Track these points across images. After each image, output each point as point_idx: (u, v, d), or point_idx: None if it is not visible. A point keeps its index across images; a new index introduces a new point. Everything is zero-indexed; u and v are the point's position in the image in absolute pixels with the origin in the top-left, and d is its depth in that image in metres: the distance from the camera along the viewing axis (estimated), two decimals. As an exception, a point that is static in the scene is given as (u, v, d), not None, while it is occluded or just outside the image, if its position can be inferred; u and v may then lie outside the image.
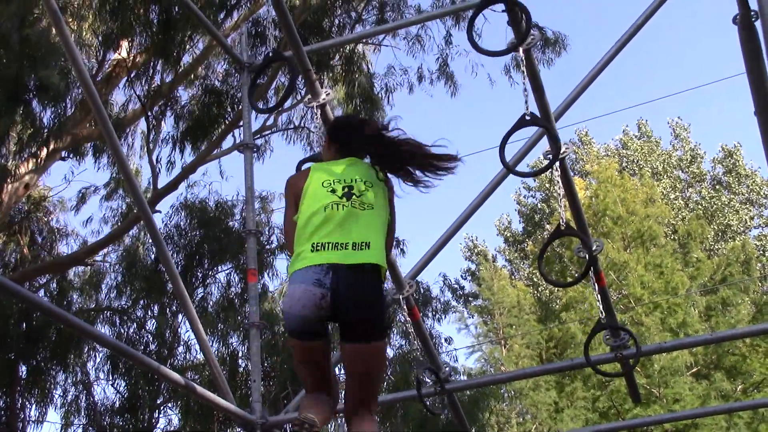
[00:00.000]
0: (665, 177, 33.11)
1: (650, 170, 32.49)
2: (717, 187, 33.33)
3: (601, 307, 5.72)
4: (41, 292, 14.33)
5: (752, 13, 4.86)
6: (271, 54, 4.31)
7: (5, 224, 13.85)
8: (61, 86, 11.73)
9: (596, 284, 5.70)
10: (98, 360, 14.26)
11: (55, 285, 14.69)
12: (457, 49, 14.36)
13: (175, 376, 5.49)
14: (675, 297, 23.73)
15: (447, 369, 6.35)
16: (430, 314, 15.23)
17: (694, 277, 25.43)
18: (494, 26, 15.43)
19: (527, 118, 4.57)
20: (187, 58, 13.92)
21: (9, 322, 12.78)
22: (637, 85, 45.98)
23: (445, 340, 15.75)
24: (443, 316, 15.89)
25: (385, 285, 3.90)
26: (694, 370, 23.58)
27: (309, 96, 4.97)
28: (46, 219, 15.40)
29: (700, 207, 32.20)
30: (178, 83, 13.98)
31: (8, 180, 12.87)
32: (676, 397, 21.81)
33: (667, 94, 47.42)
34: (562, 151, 5.15)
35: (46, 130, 12.60)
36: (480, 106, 52.08)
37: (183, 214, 14.46)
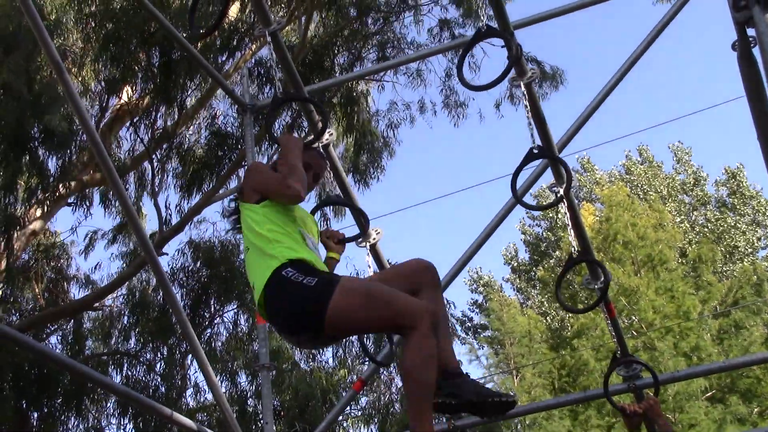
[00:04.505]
0: (670, 201, 33.02)
1: (654, 194, 32.42)
2: (722, 209, 33.17)
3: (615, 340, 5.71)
4: (52, 339, 14.29)
5: (750, 39, 4.84)
6: (281, 95, 4.23)
7: (18, 271, 13.83)
8: (64, 131, 11.76)
9: (608, 316, 5.70)
10: (110, 404, 14.18)
11: (63, 332, 14.63)
12: (457, 81, 14.57)
13: (188, 421, 5.47)
14: (687, 321, 23.58)
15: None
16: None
17: (705, 300, 25.29)
18: (494, 61, 15.59)
19: (535, 151, 4.59)
20: (190, 99, 13.99)
21: (22, 370, 12.72)
22: (637, 111, 46.05)
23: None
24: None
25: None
26: (709, 394, 23.36)
27: (311, 137, 4.97)
28: (54, 265, 15.36)
29: (706, 229, 32.06)
30: (182, 125, 14.03)
31: (17, 227, 12.89)
32: (691, 422, 21.59)
33: (667, 119, 47.53)
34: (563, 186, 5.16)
35: (52, 178, 12.64)
36: (478, 140, 52.47)
37: (189, 255, 14.43)
